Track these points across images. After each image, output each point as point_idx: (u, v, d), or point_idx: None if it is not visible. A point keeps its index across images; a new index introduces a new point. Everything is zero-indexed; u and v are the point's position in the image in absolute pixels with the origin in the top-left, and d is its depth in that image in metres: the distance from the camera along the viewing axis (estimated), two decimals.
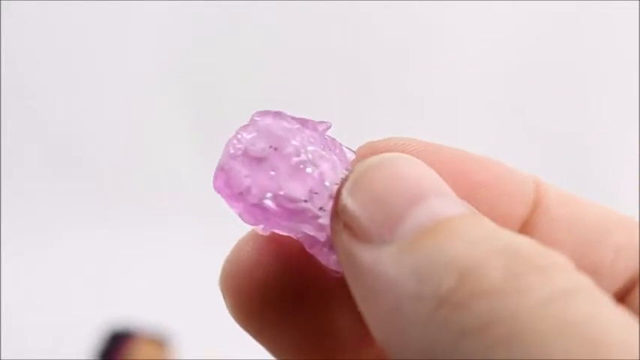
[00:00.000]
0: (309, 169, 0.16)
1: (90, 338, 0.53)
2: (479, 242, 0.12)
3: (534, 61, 0.66)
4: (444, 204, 0.13)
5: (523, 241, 0.12)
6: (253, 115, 0.17)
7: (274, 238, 0.17)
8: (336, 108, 0.66)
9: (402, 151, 0.17)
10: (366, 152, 0.17)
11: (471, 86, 0.66)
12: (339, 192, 0.14)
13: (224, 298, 0.17)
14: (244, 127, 0.16)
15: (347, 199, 0.14)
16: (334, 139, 0.17)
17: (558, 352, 0.11)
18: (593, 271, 0.16)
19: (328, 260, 0.16)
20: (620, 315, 0.11)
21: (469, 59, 0.66)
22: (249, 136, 0.16)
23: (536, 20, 0.65)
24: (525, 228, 0.16)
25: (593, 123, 0.67)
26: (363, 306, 0.13)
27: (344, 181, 0.15)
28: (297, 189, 0.15)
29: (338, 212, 0.14)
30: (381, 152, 0.15)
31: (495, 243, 0.12)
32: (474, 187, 0.16)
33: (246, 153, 0.16)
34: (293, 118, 0.17)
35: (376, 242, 0.13)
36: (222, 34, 0.66)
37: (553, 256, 0.12)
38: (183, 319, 0.55)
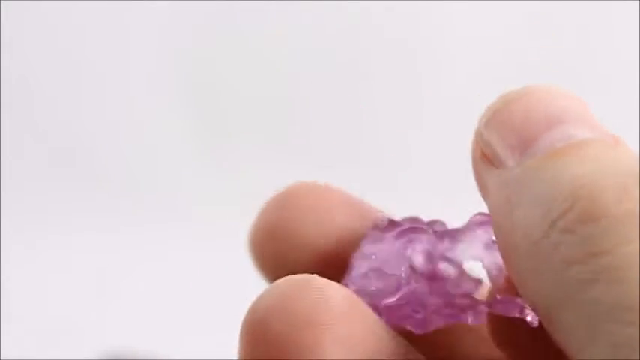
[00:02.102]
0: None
1: (89, 339, 0.53)
2: (605, 165, 0.11)
3: (536, 61, 0.66)
4: (583, 129, 0.13)
5: None
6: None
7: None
8: (338, 106, 0.66)
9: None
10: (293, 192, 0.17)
11: (472, 86, 0.66)
12: (477, 126, 0.14)
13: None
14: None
15: (484, 129, 0.14)
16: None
17: None
18: None
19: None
20: None
21: (470, 59, 0.66)
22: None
23: (537, 20, 0.65)
24: None
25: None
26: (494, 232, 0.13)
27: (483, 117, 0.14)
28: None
29: (476, 141, 0.14)
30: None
31: (621, 167, 0.11)
32: None
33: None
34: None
35: (506, 167, 0.13)
36: (224, 34, 0.66)
37: None
38: (183, 322, 0.55)
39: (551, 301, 0.11)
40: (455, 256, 0.16)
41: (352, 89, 0.66)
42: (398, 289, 0.16)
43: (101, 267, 0.60)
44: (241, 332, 0.14)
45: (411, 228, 0.16)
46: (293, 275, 0.14)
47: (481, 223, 0.16)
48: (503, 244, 0.13)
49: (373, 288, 0.16)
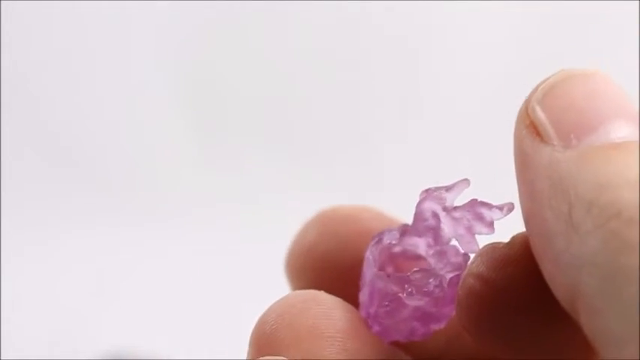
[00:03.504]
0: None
1: (89, 339, 0.53)
2: None
3: (537, 62, 0.66)
4: (635, 128, 0.13)
5: None
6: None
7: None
8: (338, 106, 0.66)
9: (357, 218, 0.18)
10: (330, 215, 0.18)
11: (472, 87, 0.66)
12: (530, 97, 0.14)
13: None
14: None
15: (538, 104, 0.14)
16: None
17: None
18: None
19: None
20: None
21: (470, 59, 0.66)
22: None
23: (538, 20, 0.65)
24: None
25: None
26: (526, 205, 0.13)
27: (534, 91, 0.14)
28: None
29: (526, 111, 0.14)
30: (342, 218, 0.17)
31: None
32: None
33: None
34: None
35: (558, 146, 0.13)
36: (224, 34, 0.66)
37: None
38: (184, 322, 0.55)
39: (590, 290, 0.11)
40: (410, 244, 0.16)
41: (352, 89, 0.66)
42: (369, 295, 0.16)
43: (101, 267, 0.60)
44: (251, 339, 0.15)
45: (379, 233, 0.17)
46: (301, 290, 0.15)
47: (473, 205, 0.16)
48: (535, 218, 0.13)
49: (361, 301, 0.16)
